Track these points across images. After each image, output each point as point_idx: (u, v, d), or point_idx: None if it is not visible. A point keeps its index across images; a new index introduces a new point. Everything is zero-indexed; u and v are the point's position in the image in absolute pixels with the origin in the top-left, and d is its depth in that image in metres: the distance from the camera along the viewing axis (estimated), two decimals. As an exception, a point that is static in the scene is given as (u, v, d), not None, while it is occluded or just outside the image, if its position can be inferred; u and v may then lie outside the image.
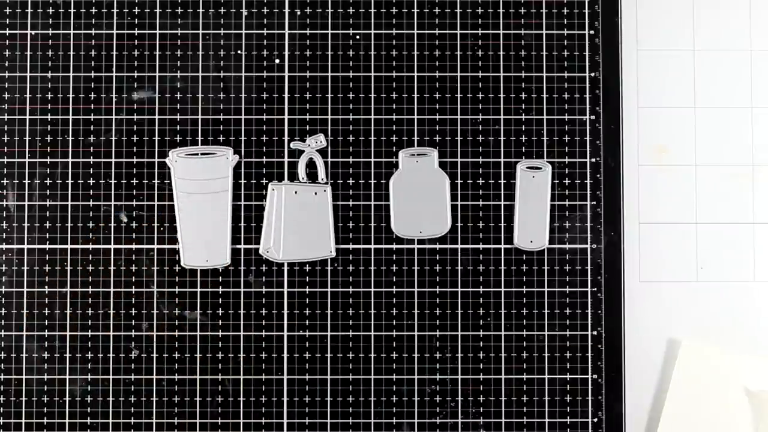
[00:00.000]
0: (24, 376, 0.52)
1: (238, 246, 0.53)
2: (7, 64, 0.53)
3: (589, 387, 0.53)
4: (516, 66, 0.54)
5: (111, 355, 0.53)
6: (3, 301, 0.53)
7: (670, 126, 0.55)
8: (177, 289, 0.53)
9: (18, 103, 0.53)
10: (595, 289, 0.53)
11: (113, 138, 0.53)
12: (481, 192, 0.53)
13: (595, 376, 0.53)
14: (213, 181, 0.53)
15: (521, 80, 0.54)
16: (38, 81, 0.53)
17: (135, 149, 0.53)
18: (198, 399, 0.53)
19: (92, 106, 0.53)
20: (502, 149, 0.54)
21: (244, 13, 0.54)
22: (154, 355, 0.53)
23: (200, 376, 0.53)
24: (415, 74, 0.54)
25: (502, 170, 0.54)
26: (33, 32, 0.54)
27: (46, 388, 0.52)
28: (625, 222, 0.54)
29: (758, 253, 0.54)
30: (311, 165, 0.53)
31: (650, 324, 0.54)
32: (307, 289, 0.53)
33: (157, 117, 0.53)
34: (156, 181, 0.53)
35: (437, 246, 0.53)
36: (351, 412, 0.53)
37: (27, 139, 0.53)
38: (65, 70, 0.53)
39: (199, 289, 0.53)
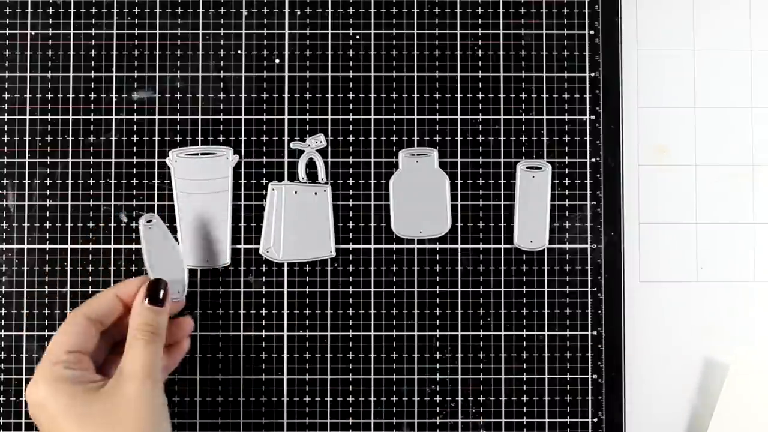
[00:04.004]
0: (24, 376, 0.52)
1: (238, 246, 0.53)
2: (7, 64, 0.53)
3: (589, 387, 0.53)
4: (516, 66, 0.54)
5: (111, 355, 0.53)
6: (3, 301, 0.53)
7: (670, 126, 0.55)
8: (177, 289, 0.53)
9: (18, 103, 0.53)
10: (595, 289, 0.53)
11: (113, 138, 0.53)
12: (481, 192, 0.53)
13: (595, 376, 0.53)
14: (213, 181, 0.53)
15: (521, 80, 0.54)
16: (38, 81, 0.53)
17: (135, 149, 0.53)
18: (198, 399, 0.53)
19: (92, 106, 0.53)
20: (502, 149, 0.54)
21: (244, 13, 0.54)
22: (154, 355, 0.53)
23: (201, 376, 0.53)
24: (415, 74, 0.54)
25: (502, 170, 0.54)
26: (33, 32, 0.54)
27: (46, 388, 0.52)
28: (625, 222, 0.54)
29: (758, 253, 0.54)
30: (311, 165, 0.53)
31: (650, 324, 0.54)
32: (307, 289, 0.53)
33: (157, 117, 0.53)
34: (156, 181, 0.53)
35: (437, 246, 0.53)
36: (351, 412, 0.53)
37: (27, 139, 0.53)
38: (65, 70, 0.53)
39: (199, 289, 0.53)
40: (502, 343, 0.53)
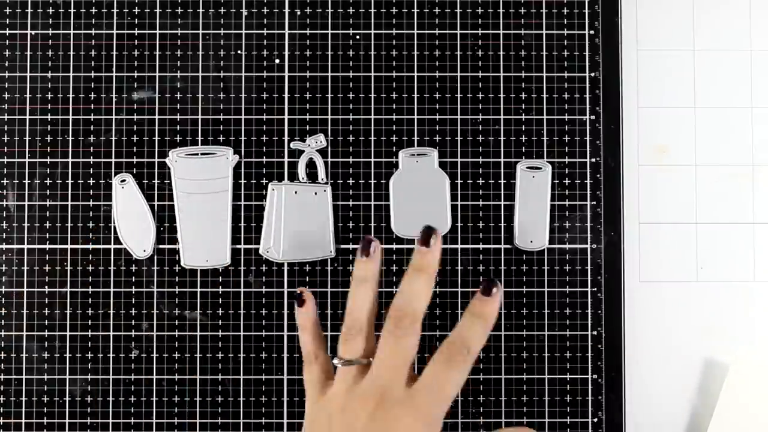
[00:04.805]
0: (24, 376, 0.52)
1: (238, 246, 0.53)
2: (7, 64, 0.53)
3: (589, 387, 0.53)
4: (516, 66, 0.54)
5: (111, 355, 0.53)
6: (3, 301, 0.53)
7: (670, 126, 0.55)
8: (177, 289, 0.53)
9: (18, 103, 0.53)
10: (595, 289, 0.53)
11: (113, 138, 0.53)
12: (481, 192, 0.53)
13: (595, 376, 0.53)
14: (213, 181, 0.53)
15: (521, 80, 0.54)
16: (38, 81, 0.53)
17: (135, 149, 0.53)
18: (198, 399, 0.53)
19: (92, 106, 0.53)
20: (502, 149, 0.54)
21: (244, 13, 0.54)
22: (154, 355, 0.53)
23: (200, 376, 0.53)
24: (415, 74, 0.54)
25: (502, 170, 0.54)
26: (33, 32, 0.54)
27: (46, 388, 0.52)
28: (625, 222, 0.54)
29: (758, 253, 0.54)
30: (311, 165, 0.53)
31: (650, 324, 0.54)
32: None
33: (157, 117, 0.53)
34: (156, 181, 0.53)
35: (437, 246, 0.53)
36: (351, 412, 0.53)
37: (27, 139, 0.53)
38: (65, 70, 0.53)
39: (199, 289, 0.53)
40: (502, 343, 0.53)
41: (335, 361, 0.42)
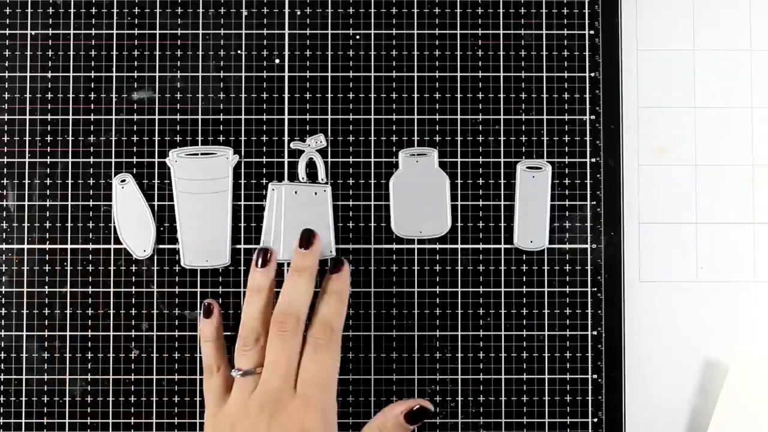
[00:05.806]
0: (24, 376, 0.52)
1: (238, 246, 0.53)
2: (7, 64, 0.53)
3: (589, 387, 0.53)
4: (516, 66, 0.54)
5: (111, 355, 0.53)
6: (3, 301, 0.53)
7: (670, 126, 0.55)
8: (177, 289, 0.53)
9: (18, 103, 0.53)
10: (595, 289, 0.53)
11: (113, 138, 0.53)
12: (481, 192, 0.53)
13: (595, 376, 0.53)
14: (213, 181, 0.53)
15: (521, 80, 0.54)
16: (38, 81, 0.53)
17: (135, 149, 0.53)
18: (198, 399, 0.53)
19: (92, 106, 0.53)
20: (502, 149, 0.54)
21: (244, 13, 0.54)
22: (154, 355, 0.53)
23: (200, 376, 0.53)
24: (415, 74, 0.54)
25: (502, 170, 0.54)
26: (33, 32, 0.54)
27: (46, 388, 0.52)
28: (625, 222, 0.54)
29: (758, 253, 0.54)
30: (311, 165, 0.53)
31: (650, 324, 0.54)
32: (307, 289, 0.53)
33: (157, 117, 0.53)
34: (156, 181, 0.53)
35: (437, 246, 0.53)
36: (351, 412, 0.53)
37: (27, 139, 0.53)
38: (65, 70, 0.53)
39: (199, 289, 0.53)
40: (502, 343, 0.53)
41: (233, 372, 0.46)
